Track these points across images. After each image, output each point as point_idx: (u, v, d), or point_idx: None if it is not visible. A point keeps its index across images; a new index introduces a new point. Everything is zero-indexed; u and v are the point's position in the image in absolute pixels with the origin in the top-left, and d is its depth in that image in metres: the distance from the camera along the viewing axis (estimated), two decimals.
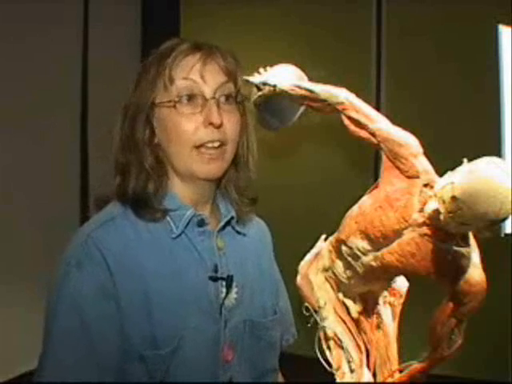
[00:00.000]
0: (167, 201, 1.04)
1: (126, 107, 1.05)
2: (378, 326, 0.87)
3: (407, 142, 0.73)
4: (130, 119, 1.04)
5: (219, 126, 1.01)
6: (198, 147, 1.01)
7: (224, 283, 1.05)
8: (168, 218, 1.03)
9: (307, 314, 0.87)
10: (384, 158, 0.76)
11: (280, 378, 1.24)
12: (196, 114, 1.01)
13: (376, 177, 0.78)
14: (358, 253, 0.78)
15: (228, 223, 1.10)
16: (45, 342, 0.99)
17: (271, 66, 0.91)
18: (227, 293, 1.05)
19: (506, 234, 2.60)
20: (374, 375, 0.85)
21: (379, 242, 0.74)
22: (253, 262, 1.14)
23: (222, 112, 1.01)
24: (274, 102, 0.91)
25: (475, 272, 0.69)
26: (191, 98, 1.01)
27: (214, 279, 1.04)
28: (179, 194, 1.05)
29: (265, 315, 1.13)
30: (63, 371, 0.95)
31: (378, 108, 2.66)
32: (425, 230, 0.69)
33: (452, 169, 0.62)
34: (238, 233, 1.12)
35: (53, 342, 0.97)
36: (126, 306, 0.97)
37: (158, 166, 1.04)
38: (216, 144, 1.01)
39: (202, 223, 1.05)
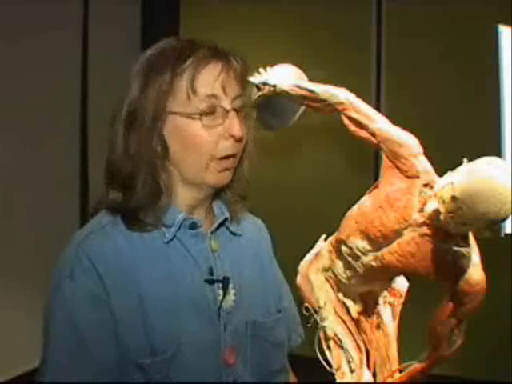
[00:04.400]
0: (164, 214, 1.02)
1: (131, 112, 1.00)
2: (378, 326, 0.87)
3: (407, 141, 0.73)
4: (138, 127, 0.99)
5: (241, 139, 1.01)
6: (216, 159, 1.00)
7: (220, 285, 1.03)
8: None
9: (307, 314, 0.87)
10: (384, 157, 0.76)
11: (292, 378, 1.23)
12: (216, 126, 0.99)
13: (376, 177, 0.78)
14: (358, 253, 0.78)
15: (222, 224, 1.09)
16: (43, 353, 0.99)
17: (271, 66, 0.91)
18: (224, 295, 1.03)
19: (506, 234, 2.61)
20: (374, 375, 0.85)
21: (379, 242, 0.74)
22: (251, 262, 1.13)
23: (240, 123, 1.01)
24: (274, 102, 0.91)
25: (475, 272, 0.69)
26: (211, 109, 0.99)
27: (210, 282, 1.03)
28: (177, 203, 1.04)
29: (268, 315, 1.12)
30: (62, 380, 0.95)
31: (378, 108, 2.66)
32: (425, 230, 0.69)
33: (452, 169, 0.62)
34: (233, 234, 1.11)
35: (50, 352, 0.97)
36: (120, 314, 0.96)
37: (167, 179, 1.02)
38: (230, 159, 1.01)
39: (193, 226, 1.04)
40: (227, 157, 1.01)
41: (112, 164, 1.02)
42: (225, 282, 1.04)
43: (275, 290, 1.17)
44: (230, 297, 1.05)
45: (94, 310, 0.96)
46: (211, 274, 1.04)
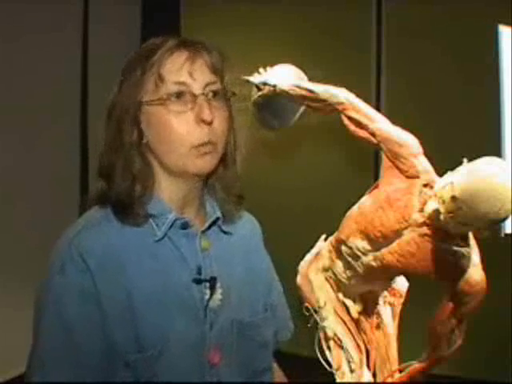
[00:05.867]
0: (151, 205, 1.03)
1: (110, 107, 1.04)
2: (378, 326, 0.87)
3: (407, 141, 0.73)
4: (115, 119, 1.03)
5: (210, 123, 1.00)
6: (193, 147, 1.01)
7: (208, 285, 1.04)
8: (151, 221, 1.03)
9: (307, 314, 0.87)
10: (384, 157, 0.76)
11: (281, 377, 1.23)
12: (186, 111, 1.01)
13: (376, 177, 0.78)
14: (358, 253, 0.78)
15: (214, 223, 1.10)
16: (33, 347, 1.00)
17: (271, 66, 0.90)
18: (211, 294, 1.04)
19: (506, 234, 2.60)
20: (374, 375, 0.85)
21: (379, 242, 0.74)
22: (241, 261, 1.13)
23: (211, 108, 1.01)
24: (273, 102, 0.91)
25: (475, 272, 0.69)
26: (180, 95, 1.01)
27: (198, 281, 1.04)
28: (164, 196, 1.05)
29: (255, 314, 1.12)
30: (50, 376, 0.96)
31: (378, 108, 2.66)
32: (425, 230, 0.69)
33: (452, 169, 0.62)
34: (225, 232, 1.12)
35: (39, 346, 0.98)
36: (109, 310, 0.97)
37: (146, 168, 1.03)
38: (208, 145, 1.01)
39: (185, 226, 1.05)
40: (203, 144, 1.01)
41: (98, 158, 1.05)
42: (212, 282, 1.04)
43: (265, 287, 1.18)
44: (217, 296, 1.05)
45: (84, 306, 0.97)
46: (199, 273, 1.04)
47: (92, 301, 0.96)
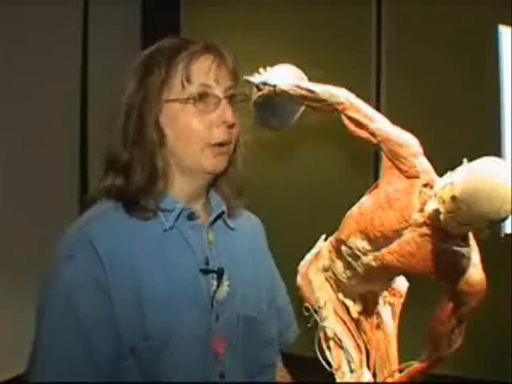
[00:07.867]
0: (163, 201, 1.05)
1: (130, 105, 1.04)
2: (378, 326, 0.87)
3: (407, 141, 0.73)
4: (138, 117, 1.04)
5: (232, 126, 1.04)
6: (209, 146, 1.04)
7: (215, 276, 1.06)
8: (160, 213, 1.05)
9: (307, 314, 0.87)
10: (384, 157, 0.76)
11: (285, 377, 1.23)
12: (209, 112, 1.04)
13: (376, 177, 0.78)
14: (358, 253, 0.78)
15: (219, 217, 1.12)
16: (37, 336, 1.00)
17: (271, 66, 0.91)
18: (218, 285, 1.06)
19: (506, 234, 2.60)
20: (374, 375, 0.85)
21: (379, 242, 0.74)
22: (245, 257, 1.15)
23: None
24: (274, 102, 0.91)
25: (475, 272, 0.69)
26: (204, 96, 1.04)
27: (205, 272, 1.05)
28: (175, 191, 1.07)
29: (259, 310, 1.13)
30: (55, 365, 0.97)
31: (378, 108, 2.66)
32: (425, 229, 0.69)
33: (452, 169, 0.62)
34: (230, 228, 1.14)
35: (45, 335, 0.99)
36: (117, 299, 0.98)
37: (165, 166, 1.05)
38: (224, 145, 1.05)
39: (192, 216, 1.07)
40: (221, 144, 1.05)
41: (112, 153, 1.06)
42: (219, 273, 1.06)
43: (269, 285, 1.19)
44: (224, 288, 1.07)
45: (93, 295, 0.98)
46: (207, 264, 1.06)
47: (101, 290, 0.98)
